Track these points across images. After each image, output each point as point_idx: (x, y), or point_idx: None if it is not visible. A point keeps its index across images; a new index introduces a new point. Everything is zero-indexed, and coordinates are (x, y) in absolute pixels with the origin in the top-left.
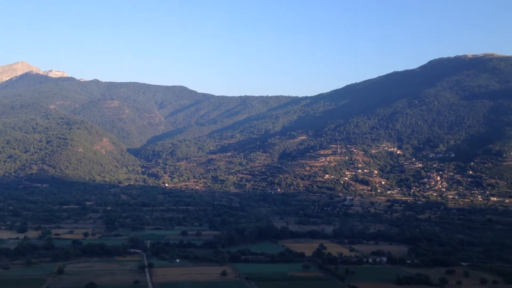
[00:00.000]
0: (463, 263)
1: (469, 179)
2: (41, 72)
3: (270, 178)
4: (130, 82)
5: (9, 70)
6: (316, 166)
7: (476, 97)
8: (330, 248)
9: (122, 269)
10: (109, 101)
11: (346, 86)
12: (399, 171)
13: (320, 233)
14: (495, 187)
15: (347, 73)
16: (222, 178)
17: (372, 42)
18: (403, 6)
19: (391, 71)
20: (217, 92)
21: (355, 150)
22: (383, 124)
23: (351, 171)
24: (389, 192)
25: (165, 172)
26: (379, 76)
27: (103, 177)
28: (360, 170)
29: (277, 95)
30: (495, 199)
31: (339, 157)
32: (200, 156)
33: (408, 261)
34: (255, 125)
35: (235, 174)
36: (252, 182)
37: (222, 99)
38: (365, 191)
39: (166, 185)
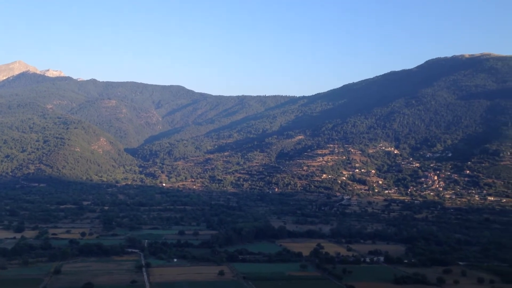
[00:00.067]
0: (460, 263)
1: (466, 179)
2: (38, 72)
3: (268, 177)
4: (127, 82)
5: (6, 70)
6: (314, 166)
7: (473, 97)
8: (327, 248)
9: (119, 269)
10: (106, 100)
11: (344, 85)
12: (397, 171)
13: (318, 233)
14: (492, 186)
15: (345, 73)
16: (219, 178)
17: (370, 42)
18: (400, 6)
19: (389, 71)
20: (214, 92)
21: (352, 150)
22: (380, 123)
23: (349, 171)
24: (386, 191)
25: (162, 172)
26: (377, 76)
27: (101, 177)
28: (357, 170)
29: (274, 94)
30: (492, 198)
31: (336, 157)
32: (198, 156)
33: (406, 261)
34: (252, 125)
35: (233, 173)
36: (249, 182)
37: (220, 99)
38: (363, 190)
39: (164, 184)
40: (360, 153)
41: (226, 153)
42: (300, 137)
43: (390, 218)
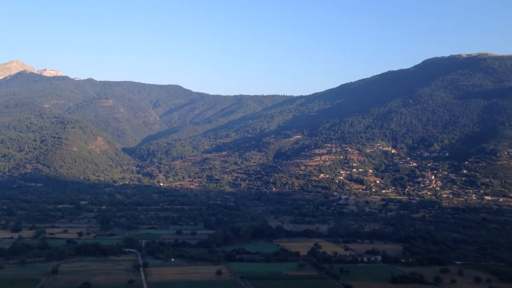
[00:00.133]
0: (457, 262)
1: (463, 178)
2: (35, 71)
3: (265, 177)
4: (124, 81)
5: (3, 69)
6: (311, 165)
7: (470, 97)
8: (325, 247)
9: (117, 269)
10: (103, 100)
11: (341, 85)
12: (394, 170)
13: (315, 232)
14: (489, 186)
15: (342, 73)
16: (217, 178)
17: (367, 41)
18: (398, 5)
19: (386, 71)
20: (212, 91)
21: (350, 149)
22: (377, 123)
23: (346, 170)
24: (383, 191)
25: (160, 172)
26: (374, 76)
27: (98, 177)
28: (355, 169)
29: (272, 94)
30: (489, 198)
31: (334, 156)
32: (195, 156)
33: (403, 260)
34: (250, 124)
35: (230, 173)
36: (247, 181)
37: (217, 98)
38: (360, 190)
39: (161, 184)
40: (357, 153)
41: (223, 153)
42: (298, 136)
43: (387, 217)
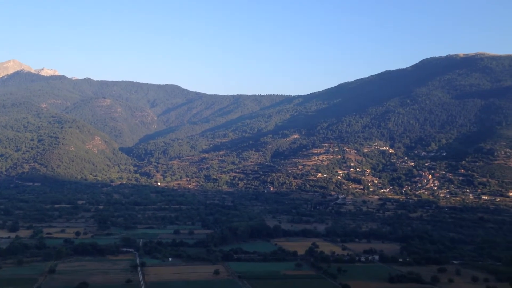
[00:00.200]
0: (454, 261)
1: (460, 178)
2: (32, 71)
3: (263, 177)
4: (122, 81)
5: (0, 69)
6: (309, 165)
7: (467, 96)
8: (322, 247)
9: (114, 268)
10: (101, 99)
11: (339, 85)
12: (391, 170)
13: (313, 232)
14: (486, 185)
15: (340, 72)
16: (214, 177)
17: (365, 41)
18: (396, 5)
19: (383, 70)
20: (209, 91)
21: (347, 149)
22: (375, 123)
23: (344, 170)
24: (381, 190)
25: (157, 171)
26: (372, 75)
27: (95, 176)
28: (352, 169)
29: (269, 94)
30: (486, 197)
31: (331, 156)
32: (193, 155)
33: (400, 260)
34: (247, 124)
35: (228, 173)
36: (244, 181)
37: (215, 98)
38: (358, 189)
39: (159, 184)
40: (355, 152)
41: (221, 153)
42: (295, 136)
43: (385, 217)
